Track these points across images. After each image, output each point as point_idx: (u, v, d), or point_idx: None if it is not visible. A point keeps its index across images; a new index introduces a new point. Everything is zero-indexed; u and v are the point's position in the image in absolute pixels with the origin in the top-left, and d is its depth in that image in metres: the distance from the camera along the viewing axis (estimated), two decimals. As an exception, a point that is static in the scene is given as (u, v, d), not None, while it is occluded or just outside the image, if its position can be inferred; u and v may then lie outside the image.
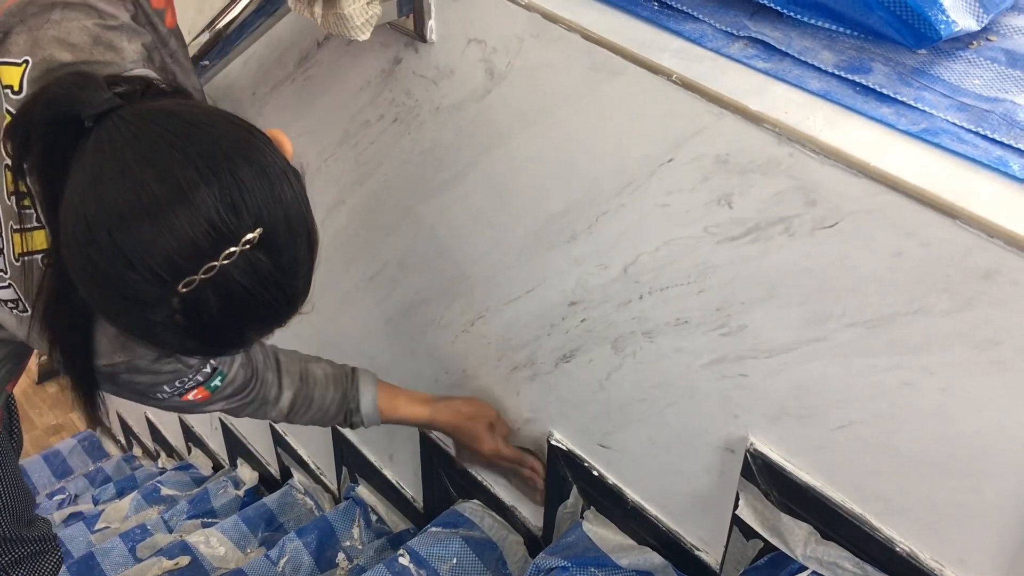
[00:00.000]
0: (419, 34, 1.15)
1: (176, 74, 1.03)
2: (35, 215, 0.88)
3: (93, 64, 0.88)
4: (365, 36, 1.09)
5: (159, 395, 1.02)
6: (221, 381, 1.08)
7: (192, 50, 1.34)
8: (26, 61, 0.88)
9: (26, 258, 0.90)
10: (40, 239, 0.89)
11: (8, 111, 0.88)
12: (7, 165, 0.87)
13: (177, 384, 1.02)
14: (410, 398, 1.38)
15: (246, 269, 0.74)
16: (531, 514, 1.56)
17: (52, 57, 0.87)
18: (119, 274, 0.72)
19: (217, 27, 1.28)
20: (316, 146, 1.50)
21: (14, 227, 0.91)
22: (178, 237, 0.70)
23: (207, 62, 1.34)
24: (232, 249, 0.72)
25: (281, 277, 0.77)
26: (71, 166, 0.74)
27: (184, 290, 0.72)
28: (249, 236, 0.73)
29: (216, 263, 0.72)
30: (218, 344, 0.82)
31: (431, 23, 1.13)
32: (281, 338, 1.96)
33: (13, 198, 0.88)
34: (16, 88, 0.88)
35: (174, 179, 0.71)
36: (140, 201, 0.70)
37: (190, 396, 1.05)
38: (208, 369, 1.04)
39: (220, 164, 0.73)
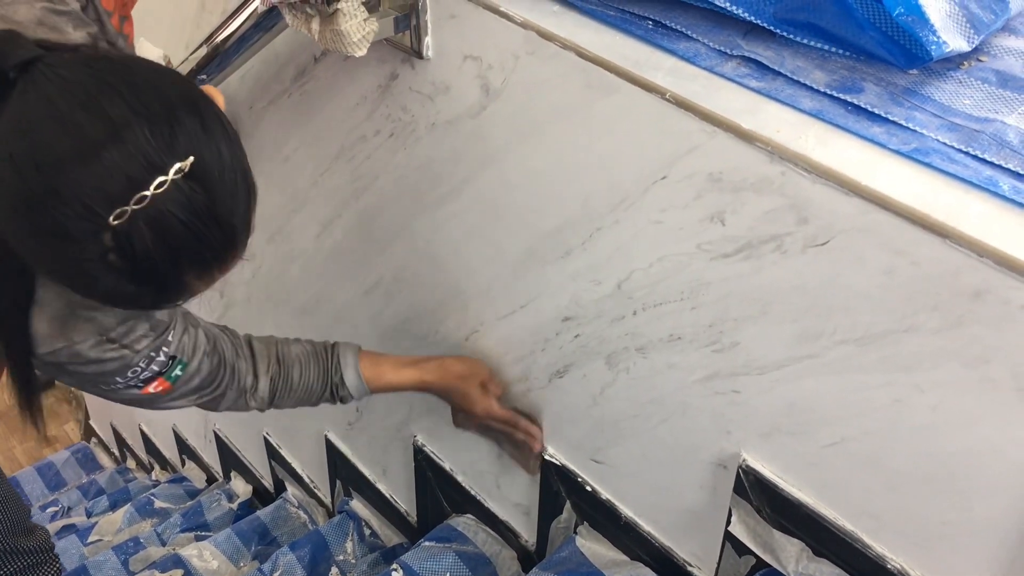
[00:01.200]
0: (415, 50, 1.15)
1: None
2: None
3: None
4: (362, 52, 1.09)
5: (114, 385, 0.99)
6: (182, 371, 1.04)
7: (190, 64, 1.35)
8: None
9: None
10: None
11: None
12: None
13: (129, 375, 0.98)
14: (396, 362, 1.32)
15: (181, 202, 0.73)
16: (525, 529, 1.56)
17: None
18: (50, 211, 0.70)
19: (215, 41, 1.28)
20: (312, 160, 1.51)
21: None
22: (110, 169, 0.70)
23: (204, 76, 1.35)
24: (163, 178, 0.71)
25: (218, 213, 0.76)
26: None
27: (116, 222, 0.71)
28: (179, 164, 0.72)
29: (148, 192, 0.71)
30: (156, 287, 0.79)
31: (427, 40, 1.14)
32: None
33: None
34: None
35: (106, 117, 0.70)
36: (72, 141, 0.70)
37: (151, 388, 1.02)
38: (162, 358, 1.00)
39: (152, 101, 0.72)
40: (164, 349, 1.00)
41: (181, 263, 0.77)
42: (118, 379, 0.98)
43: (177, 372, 1.04)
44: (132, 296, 0.79)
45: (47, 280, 0.87)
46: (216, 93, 0.84)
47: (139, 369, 0.99)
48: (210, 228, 0.76)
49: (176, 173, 0.72)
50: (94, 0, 0.96)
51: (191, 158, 0.73)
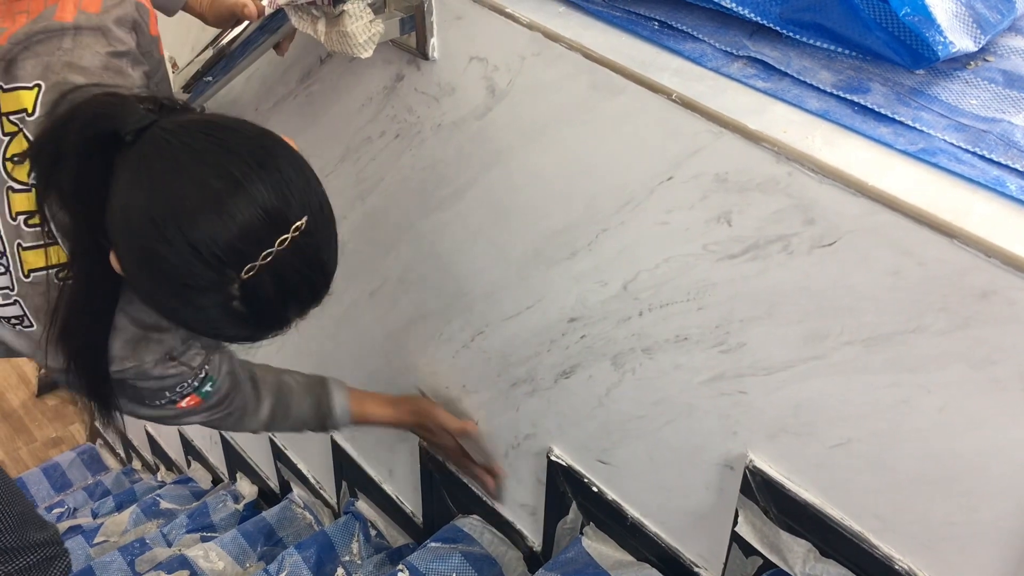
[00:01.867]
0: (421, 52, 1.15)
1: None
2: (45, 232, 0.92)
3: (104, 87, 0.91)
4: (368, 54, 1.09)
5: (160, 400, 1.07)
6: (212, 387, 1.12)
7: (196, 66, 1.35)
8: (38, 85, 0.92)
9: (37, 273, 0.93)
10: (55, 254, 0.93)
11: (25, 135, 0.91)
12: (10, 188, 0.91)
13: (178, 389, 1.06)
14: (377, 400, 1.46)
15: (296, 253, 0.80)
16: (530, 530, 1.56)
17: (65, 80, 0.91)
18: (187, 265, 0.77)
19: (221, 43, 1.29)
20: (318, 162, 1.49)
21: (22, 245, 0.94)
22: (240, 224, 0.77)
23: (211, 78, 1.35)
24: (285, 236, 0.79)
25: (322, 258, 0.85)
26: (110, 180, 0.79)
27: (246, 276, 0.78)
28: (298, 223, 0.80)
29: (272, 249, 0.78)
30: (266, 327, 0.87)
31: (433, 41, 1.14)
32: (285, 352, 1.97)
33: (21, 217, 0.92)
34: (31, 111, 0.92)
35: (229, 174, 0.77)
36: (203, 196, 0.76)
37: (183, 404, 1.10)
38: (203, 374, 1.08)
39: (265, 159, 0.80)
40: (207, 367, 1.09)
41: (291, 305, 0.86)
42: (167, 393, 1.06)
43: (208, 388, 1.11)
44: (243, 335, 0.88)
45: (126, 312, 0.95)
46: (291, 142, 0.91)
47: (187, 384, 1.07)
48: (316, 272, 0.85)
49: (295, 231, 0.80)
50: (144, 33, 1.00)
51: (305, 217, 0.81)
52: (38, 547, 1.43)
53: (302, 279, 0.83)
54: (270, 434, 1.34)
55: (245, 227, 0.77)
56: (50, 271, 0.93)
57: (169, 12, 1.23)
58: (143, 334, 0.98)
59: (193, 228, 0.77)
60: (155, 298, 0.85)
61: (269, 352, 2.08)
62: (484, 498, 1.60)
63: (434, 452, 1.61)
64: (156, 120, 0.81)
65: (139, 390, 1.05)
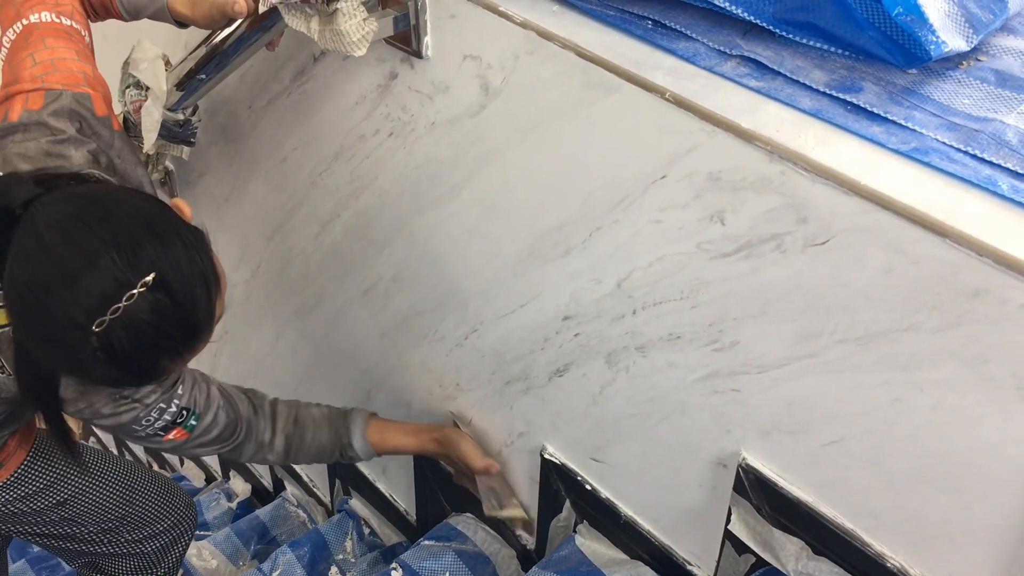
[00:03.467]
0: (415, 50, 1.15)
1: (121, 170, 1.17)
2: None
3: (45, 171, 1.03)
4: (362, 52, 1.09)
5: (135, 434, 1.17)
6: (197, 421, 1.21)
7: (189, 64, 1.35)
8: None
9: (3, 330, 1.04)
10: (3, 315, 1.02)
11: None
12: None
13: (144, 424, 1.15)
14: (401, 430, 1.49)
15: (148, 308, 0.89)
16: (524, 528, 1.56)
17: (15, 168, 1.04)
18: (49, 327, 0.89)
19: (214, 41, 1.28)
20: (311, 160, 1.51)
21: None
22: (89, 292, 0.87)
23: (204, 76, 1.35)
24: (132, 292, 0.88)
25: (181, 312, 0.92)
26: (7, 249, 0.90)
27: (98, 329, 0.88)
28: (145, 279, 0.89)
29: (120, 304, 0.88)
30: (137, 372, 0.95)
31: (427, 39, 1.14)
32: (280, 351, 1.96)
33: None
34: None
35: (82, 250, 0.88)
36: (58, 271, 0.87)
37: (170, 436, 1.20)
38: (174, 409, 1.17)
39: (119, 231, 0.89)
40: (175, 402, 1.17)
41: (155, 353, 0.93)
42: (135, 427, 1.15)
43: (192, 422, 1.21)
44: (120, 380, 0.97)
45: None
46: (183, 206, 1.02)
47: (152, 419, 1.15)
48: (174, 325, 0.92)
49: (141, 287, 0.88)
50: (87, 120, 1.11)
51: (152, 274, 0.89)
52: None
53: (158, 330, 0.91)
54: (295, 464, 1.41)
55: (93, 292, 0.87)
56: (5, 328, 1.03)
57: (141, 16, 1.27)
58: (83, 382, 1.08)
59: (49, 298, 0.88)
60: (40, 355, 0.95)
61: (261, 353, 2.08)
62: (478, 496, 1.60)
63: (459, 482, 1.60)
64: (39, 195, 0.91)
65: (106, 426, 1.15)
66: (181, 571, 1.79)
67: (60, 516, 1.45)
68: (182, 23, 1.25)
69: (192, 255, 0.94)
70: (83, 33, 1.18)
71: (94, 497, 1.49)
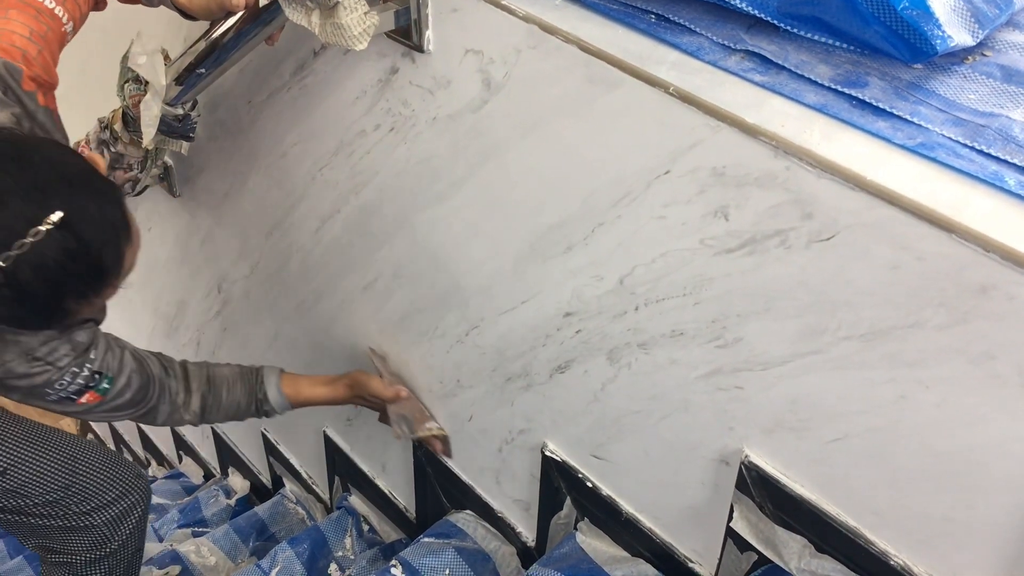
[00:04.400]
0: (416, 44, 1.15)
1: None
2: None
3: None
4: (363, 46, 1.09)
5: (48, 398, 1.19)
6: (110, 384, 1.24)
7: (188, 59, 1.34)
8: None
9: None
10: None
11: None
12: None
13: (58, 387, 1.18)
14: (312, 381, 1.55)
15: (53, 246, 0.93)
16: (524, 525, 1.56)
17: None
18: None
19: (213, 36, 1.28)
20: (311, 155, 1.50)
21: None
22: None
23: (203, 70, 1.34)
24: (38, 228, 0.91)
25: (86, 254, 0.96)
26: None
27: (3, 264, 0.91)
28: (52, 218, 0.92)
29: (26, 240, 0.91)
30: (41, 311, 0.99)
31: (428, 33, 1.13)
32: (279, 346, 1.96)
33: None
34: None
35: None
36: None
37: (83, 400, 1.22)
38: (87, 373, 1.20)
39: (30, 173, 0.94)
40: (88, 366, 1.20)
41: (60, 293, 0.97)
42: (48, 391, 1.18)
43: (105, 385, 1.24)
44: (25, 320, 1.01)
45: None
46: (99, 160, 1.07)
47: (65, 383, 1.18)
48: (80, 265, 0.96)
49: (48, 225, 0.92)
50: (13, 89, 1.12)
51: (60, 213, 0.93)
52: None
53: (65, 271, 0.95)
54: (210, 424, 1.52)
55: (1, 224, 0.91)
56: None
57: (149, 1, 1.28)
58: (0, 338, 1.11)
59: None
60: None
61: (260, 349, 2.07)
62: (478, 491, 1.60)
63: (383, 422, 1.65)
64: None
65: (19, 388, 1.17)
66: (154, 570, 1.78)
67: (2, 488, 1.44)
68: (185, 14, 1.26)
69: (102, 202, 0.99)
70: (63, 20, 1.19)
71: (34, 466, 1.47)
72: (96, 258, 0.98)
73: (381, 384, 1.55)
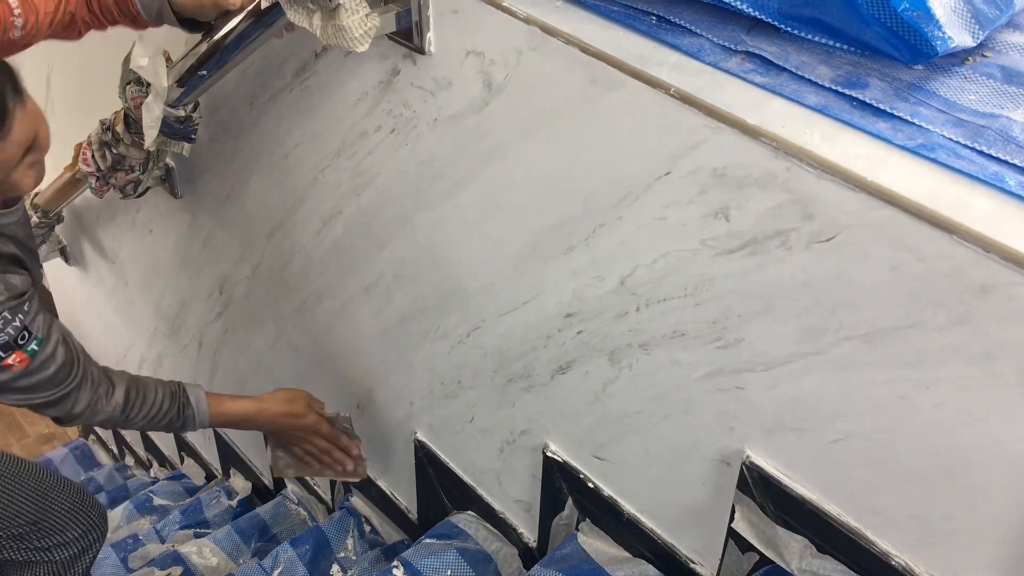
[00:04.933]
0: (417, 46, 1.15)
1: None
2: None
3: None
4: (364, 48, 1.09)
5: None
6: (39, 347, 1.19)
7: (190, 60, 1.34)
8: None
9: None
10: None
11: None
12: None
13: None
14: (235, 397, 1.51)
15: None
16: (526, 526, 1.56)
17: None
18: None
19: (215, 37, 1.28)
20: (313, 156, 1.50)
21: None
22: None
23: (205, 72, 1.34)
24: None
25: None
26: None
27: None
28: None
29: None
30: None
31: (430, 35, 1.13)
32: (280, 348, 1.96)
33: None
34: None
35: None
36: None
37: (10, 360, 1.16)
38: (18, 324, 1.15)
39: None
40: (20, 316, 1.16)
41: None
42: None
43: (34, 347, 1.18)
44: None
45: None
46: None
47: None
48: None
49: None
50: None
51: None
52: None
53: None
54: (128, 425, 1.42)
55: None
56: None
57: (155, 13, 1.29)
58: None
59: None
60: None
61: (262, 350, 2.07)
62: (479, 492, 1.60)
63: (290, 454, 1.65)
64: None
65: None
66: None
67: None
68: (184, 23, 1.26)
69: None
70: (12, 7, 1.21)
71: (7, 501, 1.46)
72: None
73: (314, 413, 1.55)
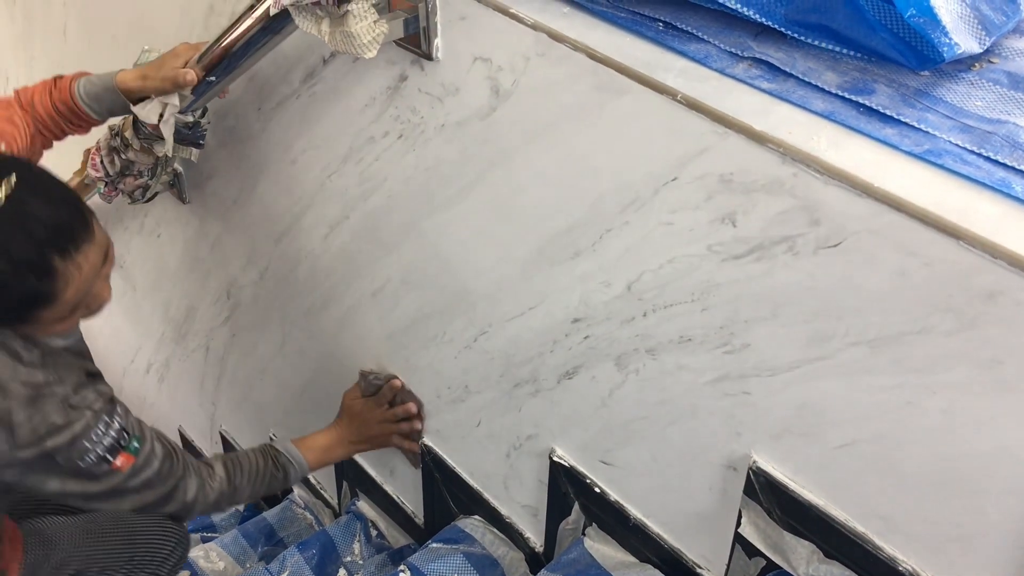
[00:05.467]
0: (425, 52, 1.15)
1: None
2: None
3: None
4: (372, 54, 1.09)
5: (88, 456, 1.17)
6: (139, 444, 1.24)
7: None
8: None
9: None
10: None
11: None
12: None
13: (94, 437, 1.18)
14: (315, 434, 1.63)
15: (11, 206, 1.03)
16: (532, 530, 1.56)
17: None
18: None
19: (223, 44, 1.29)
20: (320, 162, 1.51)
21: None
22: None
23: (213, 78, 1.35)
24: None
25: (41, 205, 1.06)
26: None
27: None
28: (8, 179, 1.04)
29: None
30: (26, 271, 1.05)
31: (437, 41, 1.14)
32: (287, 352, 1.96)
33: None
34: None
35: None
36: None
37: (118, 463, 1.21)
38: (117, 426, 1.21)
39: None
40: (116, 418, 1.22)
41: (39, 245, 1.04)
42: (86, 443, 1.17)
43: (135, 444, 1.24)
44: (17, 287, 1.05)
45: None
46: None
47: (100, 432, 1.18)
48: (43, 214, 1.05)
49: (6, 187, 1.03)
50: None
51: (13, 174, 1.04)
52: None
53: (34, 221, 1.04)
54: (238, 498, 1.47)
55: None
56: None
57: (105, 106, 1.43)
58: (35, 393, 1.13)
59: None
60: None
61: (269, 355, 2.08)
62: (486, 496, 1.60)
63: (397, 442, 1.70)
64: None
65: (66, 457, 1.16)
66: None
67: None
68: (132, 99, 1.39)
69: (38, 170, 1.10)
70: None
71: (101, 555, 1.51)
72: (55, 206, 1.07)
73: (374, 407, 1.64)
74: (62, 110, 1.40)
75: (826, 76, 0.89)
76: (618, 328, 1.13)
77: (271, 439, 1.52)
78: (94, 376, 1.23)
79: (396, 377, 1.65)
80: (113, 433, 1.20)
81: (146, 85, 1.36)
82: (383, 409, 1.66)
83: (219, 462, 1.43)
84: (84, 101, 1.39)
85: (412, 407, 1.64)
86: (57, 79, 1.41)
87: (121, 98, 1.39)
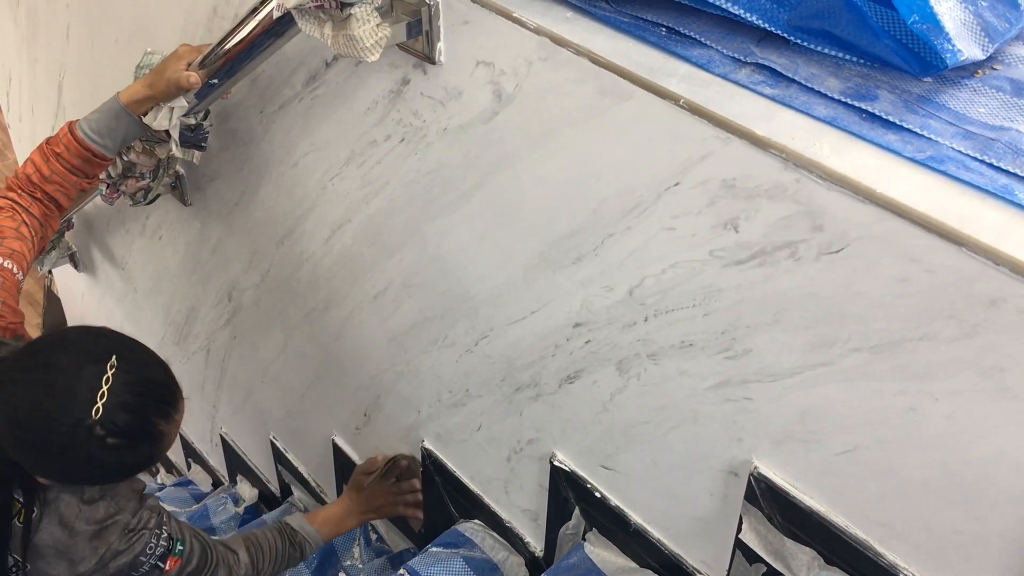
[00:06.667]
0: (428, 56, 1.15)
1: None
2: None
3: None
4: (375, 57, 1.09)
5: (143, 567, 1.29)
6: (183, 546, 1.36)
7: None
8: None
9: None
10: None
11: None
12: None
13: (148, 551, 1.29)
14: (327, 507, 1.74)
15: (123, 383, 1.11)
16: (532, 535, 1.56)
17: None
18: (53, 437, 1.08)
19: (226, 47, 1.29)
20: (322, 165, 1.51)
21: None
22: (76, 393, 1.09)
23: (215, 81, 1.35)
24: (107, 375, 1.10)
25: (148, 377, 1.16)
26: None
27: (97, 416, 1.08)
28: (108, 363, 1.11)
29: (101, 388, 1.09)
30: (140, 439, 1.13)
31: (440, 45, 1.14)
32: (288, 356, 1.96)
33: None
34: None
35: (60, 370, 1.10)
36: (48, 393, 1.09)
37: (168, 567, 1.33)
38: (165, 535, 1.32)
39: (76, 351, 1.13)
40: (165, 529, 1.33)
41: (147, 416, 1.13)
42: (142, 559, 1.28)
43: (180, 547, 1.35)
44: (128, 455, 1.13)
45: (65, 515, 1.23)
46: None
47: (153, 545, 1.30)
48: (150, 387, 1.15)
49: (111, 368, 1.10)
50: None
51: (113, 356, 1.11)
52: None
53: (142, 396, 1.12)
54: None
55: (81, 390, 1.09)
56: None
57: (116, 135, 1.45)
58: (99, 526, 1.24)
59: (48, 415, 1.08)
60: (58, 474, 1.16)
61: (270, 358, 2.08)
62: (486, 501, 1.60)
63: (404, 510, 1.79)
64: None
65: (125, 573, 1.28)
66: None
67: None
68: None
69: (136, 345, 1.18)
70: (14, 271, 1.37)
71: None
72: (153, 377, 1.16)
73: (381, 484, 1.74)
74: (76, 164, 1.44)
75: (829, 82, 0.89)
76: (619, 333, 1.13)
77: (283, 518, 1.63)
78: (143, 494, 1.33)
79: (403, 455, 1.77)
80: (164, 543, 1.31)
81: (155, 92, 1.38)
82: (390, 483, 1.76)
83: (243, 548, 1.52)
84: (94, 140, 1.42)
85: (417, 483, 1.76)
86: (48, 141, 1.45)
87: (128, 120, 1.42)
